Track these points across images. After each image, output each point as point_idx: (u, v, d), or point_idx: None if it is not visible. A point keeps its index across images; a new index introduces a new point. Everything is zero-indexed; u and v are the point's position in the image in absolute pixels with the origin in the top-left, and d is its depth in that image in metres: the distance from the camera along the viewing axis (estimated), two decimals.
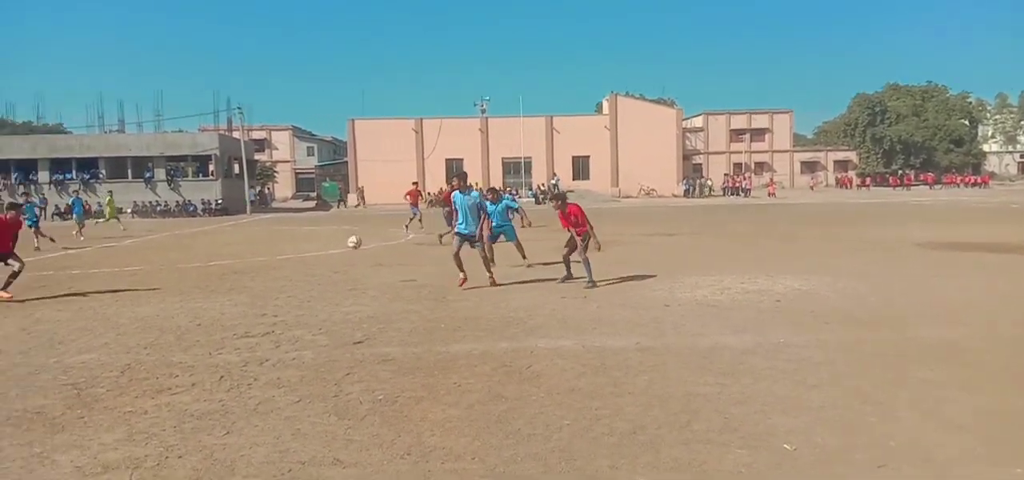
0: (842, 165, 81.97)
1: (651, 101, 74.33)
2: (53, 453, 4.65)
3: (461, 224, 11.72)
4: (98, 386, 6.24)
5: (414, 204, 25.55)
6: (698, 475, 4.16)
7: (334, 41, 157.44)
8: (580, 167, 62.33)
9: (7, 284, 11.65)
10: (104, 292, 12.00)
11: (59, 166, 50.82)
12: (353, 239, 14.92)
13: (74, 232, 26.12)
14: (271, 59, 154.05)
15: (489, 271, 11.82)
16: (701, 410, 5.25)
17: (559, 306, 9.73)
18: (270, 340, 7.95)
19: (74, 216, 28.00)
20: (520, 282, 12.07)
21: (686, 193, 62.05)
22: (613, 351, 7.10)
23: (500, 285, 11.56)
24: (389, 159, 59.09)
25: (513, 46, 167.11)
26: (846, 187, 75.05)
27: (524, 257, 14.47)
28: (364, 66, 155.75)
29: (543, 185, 58.87)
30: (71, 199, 28.73)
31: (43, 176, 50.09)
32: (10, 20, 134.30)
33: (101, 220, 33.14)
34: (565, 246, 12.00)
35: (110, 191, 34.75)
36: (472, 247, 11.68)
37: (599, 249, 11.65)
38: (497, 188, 16.86)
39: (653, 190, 61.37)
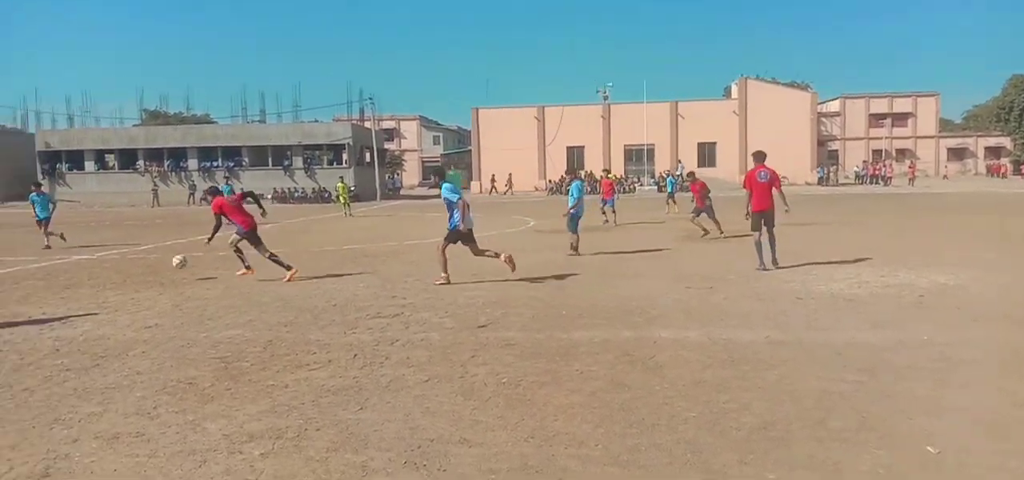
0: (994, 152, 75.76)
1: (784, 85, 71.24)
2: (203, 421, 5.01)
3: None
4: (243, 360, 6.67)
5: (609, 196, 23.75)
6: (832, 474, 3.99)
7: (460, 32, 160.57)
8: (706, 154, 60.67)
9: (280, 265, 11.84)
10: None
11: (206, 154, 54.54)
12: (177, 258, 12.83)
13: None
14: (401, 51, 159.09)
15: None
16: (836, 407, 5.02)
17: (683, 296, 9.54)
18: (400, 321, 8.24)
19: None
20: (634, 275, 11.91)
21: (820, 181, 59.20)
22: (741, 344, 6.90)
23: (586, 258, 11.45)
24: (511, 147, 59.67)
25: (637, 31, 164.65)
26: (999, 175, 69.29)
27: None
28: (488, 56, 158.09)
29: (664, 173, 57.77)
30: (223, 186, 30.14)
31: (192, 163, 53.88)
32: (162, 19, 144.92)
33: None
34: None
35: (341, 178, 36.07)
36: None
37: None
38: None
39: (785, 178, 58.75)
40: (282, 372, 6.22)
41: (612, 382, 5.72)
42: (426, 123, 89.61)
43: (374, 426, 4.79)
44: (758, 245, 11.61)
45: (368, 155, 57.18)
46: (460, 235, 11.18)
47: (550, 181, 57.27)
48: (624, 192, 53.82)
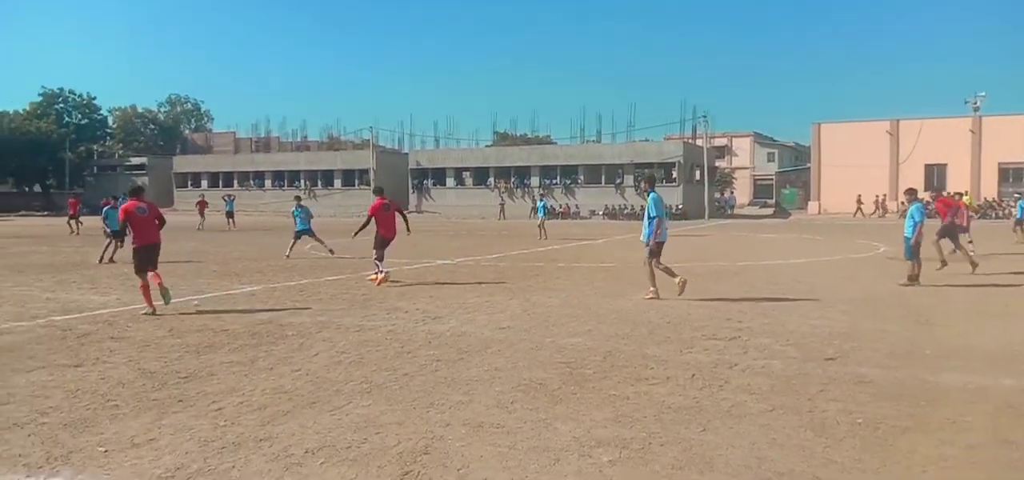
0: None
1: None
2: (554, 421, 5.35)
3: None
4: (586, 367, 7.00)
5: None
6: None
7: (801, 44, 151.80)
8: None
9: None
10: (583, 285, 13.41)
11: (547, 172, 58.46)
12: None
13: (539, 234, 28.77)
14: (737, 66, 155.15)
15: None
16: None
17: None
18: (737, 345, 8.02)
19: (538, 216, 30.34)
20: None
21: None
22: None
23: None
24: (856, 164, 54.84)
25: (1018, 32, 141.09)
26: None
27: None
28: (831, 68, 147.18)
29: (1018, 195, 48.72)
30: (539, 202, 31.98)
31: (534, 180, 58.07)
32: (512, 57, 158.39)
33: None
34: None
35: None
36: None
37: None
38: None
39: None
40: (623, 383, 6.40)
41: (994, 437, 4.95)
42: (760, 140, 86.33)
43: (718, 449, 4.71)
44: None
45: (698, 173, 56.70)
46: (660, 248, 11.68)
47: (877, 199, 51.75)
48: (996, 217, 46.59)
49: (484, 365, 7.09)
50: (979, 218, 45.27)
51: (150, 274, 10.51)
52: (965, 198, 49.29)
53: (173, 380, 6.56)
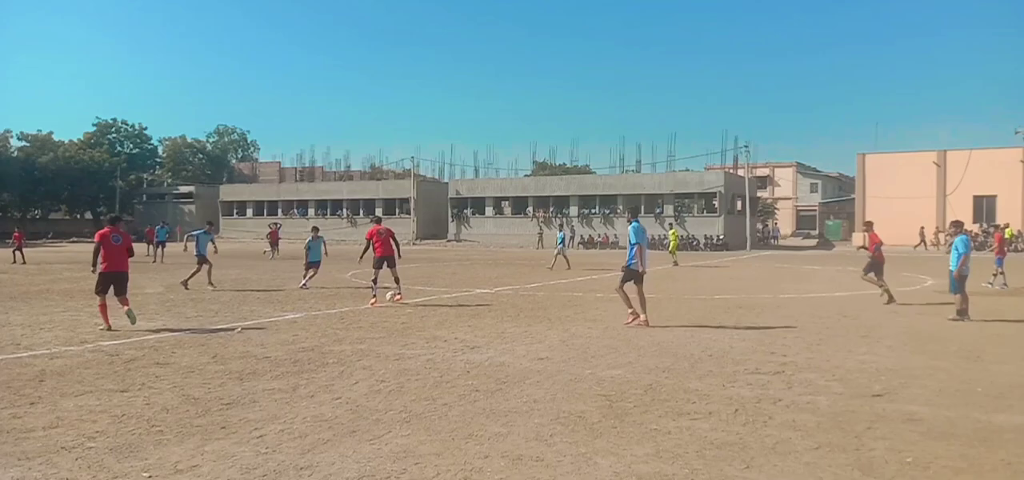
0: None
1: None
2: (594, 455, 5.29)
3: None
4: (626, 400, 6.92)
5: (1000, 254, 20.37)
6: None
7: (845, 74, 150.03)
8: None
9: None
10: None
11: (586, 202, 58.36)
12: None
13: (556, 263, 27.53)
14: (779, 95, 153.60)
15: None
16: None
17: None
18: (781, 379, 7.87)
19: (558, 245, 28.76)
20: None
21: None
22: None
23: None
24: (902, 195, 53.74)
25: None
26: None
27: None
28: (877, 98, 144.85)
29: None
30: (559, 233, 30.54)
31: (573, 210, 58.00)
32: (554, 84, 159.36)
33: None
34: None
35: (671, 223, 37.80)
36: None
37: None
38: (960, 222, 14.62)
39: None
40: (664, 417, 6.31)
41: None
42: (803, 170, 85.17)
43: None
44: None
45: (739, 203, 56.09)
46: (635, 275, 11.92)
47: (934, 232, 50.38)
48: None
49: (523, 396, 7.07)
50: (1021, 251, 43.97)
51: (119, 299, 11.49)
52: (1007, 231, 48.13)
53: (216, 406, 6.65)
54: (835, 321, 12.63)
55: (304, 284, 18.78)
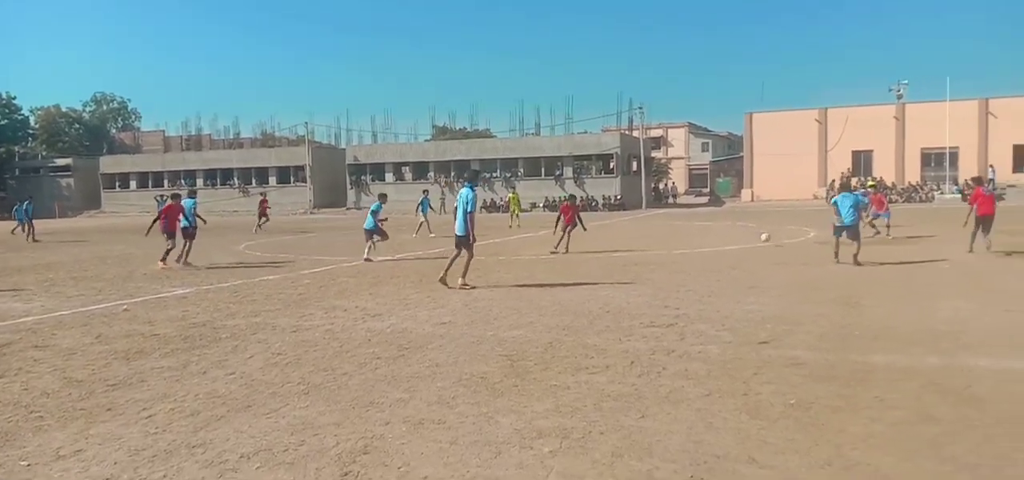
0: None
1: None
2: (496, 415, 5.34)
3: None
4: (527, 359, 7.01)
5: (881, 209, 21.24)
6: None
7: (732, 34, 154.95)
8: None
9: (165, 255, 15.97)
10: (524, 280, 13.45)
11: (487, 166, 58.37)
12: (765, 234, 15.30)
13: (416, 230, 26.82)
14: (671, 58, 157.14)
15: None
16: None
17: (1003, 320, 8.35)
18: (674, 332, 8.15)
19: (421, 212, 27.79)
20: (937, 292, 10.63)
21: None
22: None
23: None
24: (787, 152, 56.41)
25: (938, 17, 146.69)
26: None
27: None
28: (764, 57, 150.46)
29: (971, 179, 51.06)
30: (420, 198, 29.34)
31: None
32: (451, 46, 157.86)
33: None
34: None
35: (513, 188, 37.85)
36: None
37: None
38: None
39: None
40: (564, 373, 6.43)
41: (919, 413, 5.15)
42: (695, 130, 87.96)
43: (657, 436, 4.78)
44: None
45: (635, 164, 57.47)
46: (462, 243, 12.22)
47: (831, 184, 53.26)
48: (920, 201, 48.64)
49: (425, 361, 7.04)
50: (904, 202, 47.13)
51: None
52: (869, 183, 51.26)
53: (101, 388, 6.32)
54: (725, 274, 13.17)
55: (367, 257, 17.52)
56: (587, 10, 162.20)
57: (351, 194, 61.40)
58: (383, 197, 19.24)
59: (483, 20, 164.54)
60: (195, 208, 17.91)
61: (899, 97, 56.18)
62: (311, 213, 58.68)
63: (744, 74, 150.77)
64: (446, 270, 12.29)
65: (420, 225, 27.06)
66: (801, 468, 4.23)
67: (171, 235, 16.77)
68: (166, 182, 66.04)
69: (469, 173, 13.28)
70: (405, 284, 12.92)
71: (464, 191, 12.20)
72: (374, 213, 18.09)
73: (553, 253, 17.95)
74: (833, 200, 15.35)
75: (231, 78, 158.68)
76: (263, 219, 32.92)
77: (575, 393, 5.81)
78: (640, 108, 60.54)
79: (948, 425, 4.89)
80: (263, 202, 34.64)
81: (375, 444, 4.77)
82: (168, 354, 7.60)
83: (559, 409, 5.41)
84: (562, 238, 18.46)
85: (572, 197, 20.36)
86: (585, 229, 19.00)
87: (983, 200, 15.93)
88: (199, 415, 5.48)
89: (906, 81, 57.70)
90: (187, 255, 17.21)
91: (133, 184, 69.77)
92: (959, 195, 48.73)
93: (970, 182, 17.82)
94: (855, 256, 14.01)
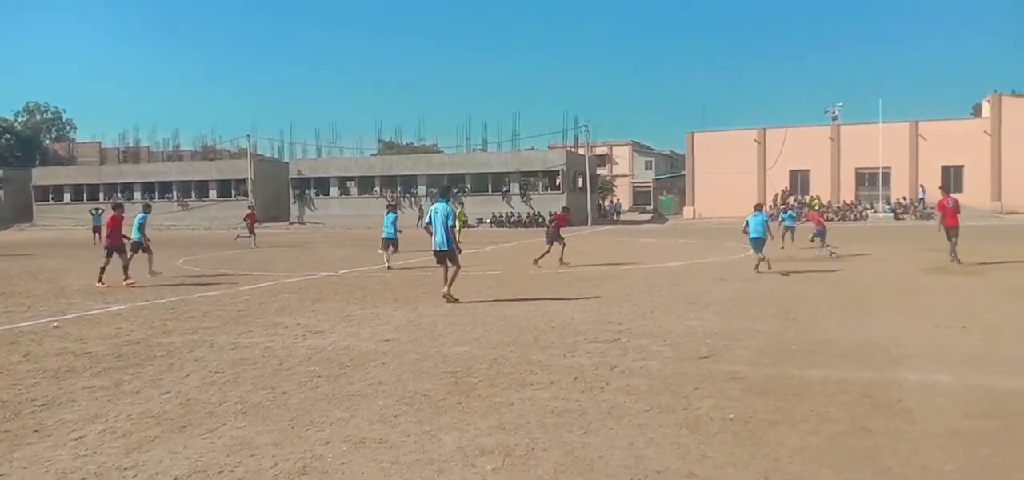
0: None
1: None
2: (439, 432, 5.30)
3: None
4: (472, 376, 6.98)
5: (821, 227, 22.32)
6: None
7: (675, 56, 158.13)
8: (951, 178, 54.73)
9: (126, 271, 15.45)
10: (474, 297, 13.42)
11: (434, 181, 58.14)
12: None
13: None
14: (616, 77, 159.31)
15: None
16: None
17: (932, 335, 8.66)
18: (617, 347, 8.22)
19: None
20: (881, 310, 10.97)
21: None
22: (1006, 393, 6.13)
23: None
24: (728, 171, 57.71)
25: (871, 45, 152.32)
26: None
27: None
28: (705, 78, 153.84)
29: (903, 198, 53.03)
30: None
31: (421, 189, 57.70)
32: (397, 60, 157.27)
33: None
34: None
35: (461, 203, 37.92)
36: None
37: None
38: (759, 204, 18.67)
39: None
40: (508, 390, 6.43)
41: (853, 426, 5.30)
42: (639, 148, 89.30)
43: (598, 452, 4.80)
44: None
45: (581, 180, 58.02)
46: (437, 254, 12.33)
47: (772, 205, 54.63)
48: (854, 219, 50.21)
49: (367, 379, 6.95)
50: (839, 220, 48.58)
51: None
52: (813, 202, 53.00)
53: (28, 409, 6.07)
54: (667, 290, 13.36)
55: (388, 264, 18.72)
56: (533, 28, 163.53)
57: (294, 208, 60.48)
58: (394, 207, 21.09)
59: (430, 34, 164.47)
60: (143, 223, 17.14)
61: (834, 119, 58.09)
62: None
63: (686, 94, 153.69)
64: (449, 286, 12.19)
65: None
66: None
67: (116, 251, 15.85)
68: (102, 195, 64.03)
69: (440, 188, 13.47)
70: (349, 300, 12.76)
71: (440, 206, 12.36)
72: (393, 223, 19.56)
73: (564, 264, 19.02)
74: (747, 220, 16.79)
75: (171, 89, 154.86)
76: (252, 235, 31.65)
77: (519, 410, 5.80)
78: (585, 126, 61.32)
79: (881, 437, 5.04)
80: (251, 215, 33.16)
81: (314, 465, 4.68)
82: (100, 373, 7.35)
83: (503, 426, 5.40)
84: (549, 250, 19.33)
85: (566, 208, 21.79)
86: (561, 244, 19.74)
87: (948, 213, 17.37)
88: (132, 436, 5.30)
89: (841, 103, 59.75)
90: (150, 266, 17.23)
91: (67, 197, 67.44)
92: (892, 214, 50.57)
93: (941, 192, 18.78)
94: (756, 266, 15.89)
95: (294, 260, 21.40)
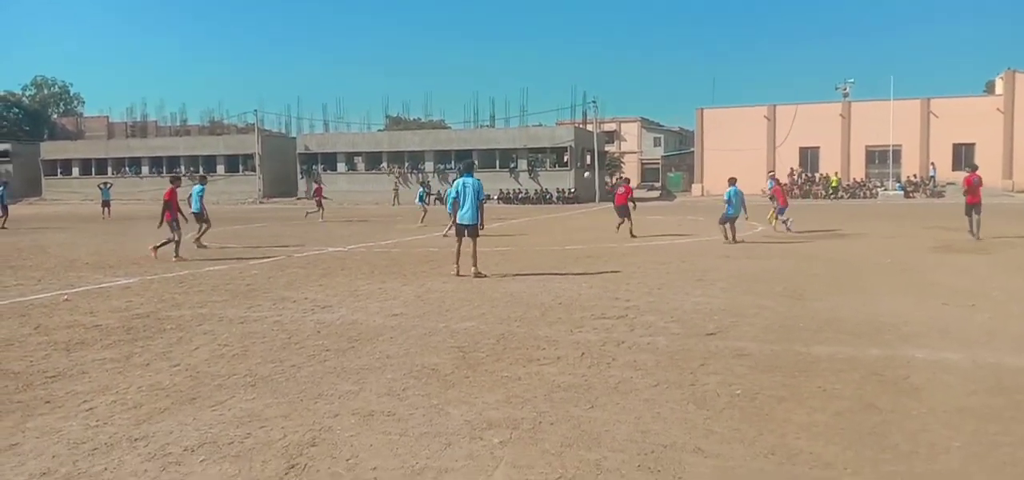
0: None
1: None
2: (446, 406, 5.33)
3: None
4: (479, 351, 7.01)
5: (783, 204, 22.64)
6: None
7: (685, 32, 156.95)
8: (962, 156, 54.34)
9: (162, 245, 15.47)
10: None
11: (441, 157, 58.12)
12: None
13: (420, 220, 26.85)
14: (626, 53, 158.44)
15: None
16: None
17: (940, 313, 8.63)
18: (624, 323, 8.23)
19: (419, 202, 28.12)
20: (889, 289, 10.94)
21: None
22: (1014, 371, 6.11)
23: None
24: (737, 148, 57.37)
25: (883, 22, 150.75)
26: None
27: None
28: (715, 55, 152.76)
29: (913, 176, 52.67)
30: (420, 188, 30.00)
31: (429, 165, 57.66)
32: (407, 34, 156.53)
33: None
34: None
35: (424, 183, 37.93)
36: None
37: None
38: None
39: None
40: (515, 365, 6.45)
41: (860, 403, 5.30)
42: (647, 125, 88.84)
43: (605, 426, 4.82)
44: None
45: (589, 157, 57.85)
46: (463, 228, 12.35)
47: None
48: (864, 197, 49.94)
49: (375, 353, 6.99)
50: (850, 198, 48.34)
51: None
52: (833, 180, 52.79)
53: (39, 380, 6.13)
54: (675, 267, 13.35)
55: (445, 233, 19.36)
56: (542, 3, 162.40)
57: (302, 184, 60.55)
58: (426, 184, 22.69)
59: (438, 9, 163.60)
60: (202, 194, 17.96)
61: (845, 95, 57.61)
62: (260, 203, 57.72)
63: (696, 71, 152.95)
64: (475, 263, 12.25)
65: (424, 214, 27.44)
66: (746, 457, 4.31)
67: (170, 224, 15.90)
68: (110, 169, 64.34)
69: (465, 164, 13.32)
70: (356, 275, 12.80)
71: (470, 179, 12.31)
72: (421, 199, 24.51)
73: (634, 237, 20.17)
74: (726, 194, 18.10)
75: (179, 64, 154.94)
76: (320, 209, 31.45)
77: (526, 384, 5.83)
78: (594, 102, 61.23)
79: (887, 414, 5.04)
80: (318, 189, 32.92)
81: (323, 436, 4.72)
82: (110, 345, 7.41)
83: (510, 400, 5.42)
84: (625, 220, 20.72)
85: (626, 179, 23.34)
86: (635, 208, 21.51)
87: (974, 188, 17.77)
88: (142, 407, 5.35)
89: (852, 79, 59.31)
90: (200, 237, 17.60)
91: (76, 171, 67.71)
92: (902, 192, 50.28)
93: (967, 170, 18.89)
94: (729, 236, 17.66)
95: (302, 234, 21.46)
